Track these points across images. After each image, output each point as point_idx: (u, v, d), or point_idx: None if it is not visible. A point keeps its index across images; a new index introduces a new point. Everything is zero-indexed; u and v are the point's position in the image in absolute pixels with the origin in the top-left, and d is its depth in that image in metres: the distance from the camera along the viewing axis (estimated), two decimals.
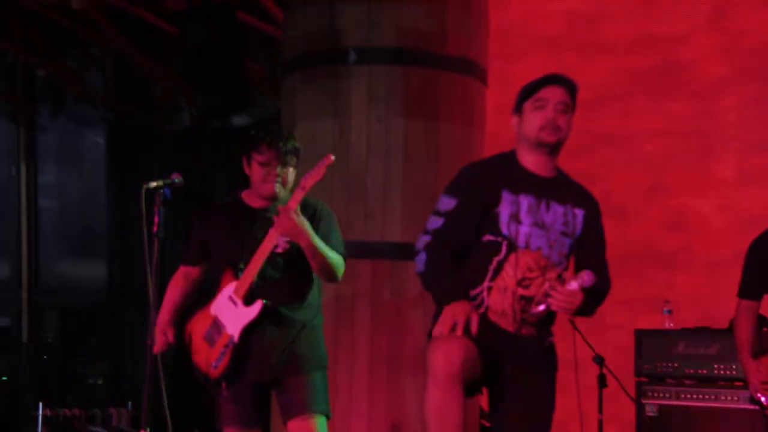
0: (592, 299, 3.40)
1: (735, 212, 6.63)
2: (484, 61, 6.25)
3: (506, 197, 3.41)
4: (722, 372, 5.54)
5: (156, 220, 4.01)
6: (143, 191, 3.98)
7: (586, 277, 3.33)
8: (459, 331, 3.19)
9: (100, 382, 9.12)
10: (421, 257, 3.40)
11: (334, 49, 5.94)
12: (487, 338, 3.29)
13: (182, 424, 7.86)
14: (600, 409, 5.61)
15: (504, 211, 3.39)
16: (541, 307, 3.35)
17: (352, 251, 5.86)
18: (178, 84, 8.24)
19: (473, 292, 3.41)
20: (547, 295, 3.35)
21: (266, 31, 7.70)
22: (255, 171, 4.19)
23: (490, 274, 3.40)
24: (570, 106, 3.52)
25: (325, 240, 4.08)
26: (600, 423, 5.62)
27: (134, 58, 8.43)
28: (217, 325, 4.18)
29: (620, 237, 6.69)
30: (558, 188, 3.49)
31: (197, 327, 4.26)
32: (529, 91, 3.52)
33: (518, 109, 3.54)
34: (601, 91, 6.97)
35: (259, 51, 7.79)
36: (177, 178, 4.09)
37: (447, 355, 3.14)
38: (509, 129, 6.83)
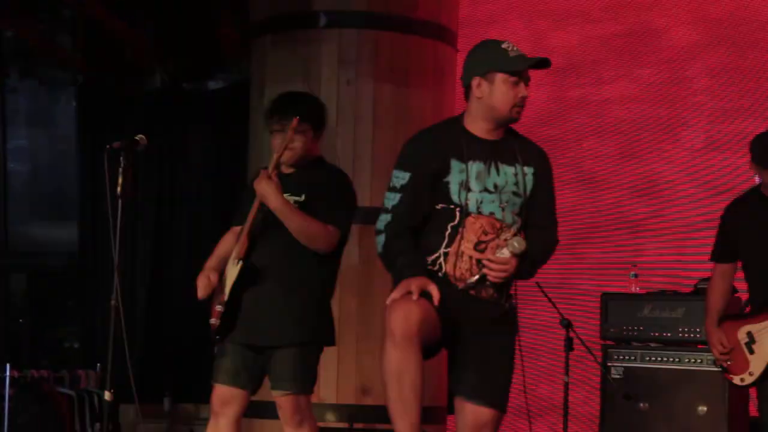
0: (527, 263, 3.42)
1: (703, 178, 6.67)
2: (455, 25, 6.26)
3: (454, 166, 3.40)
4: (687, 335, 5.59)
5: (120, 181, 3.99)
6: (106, 152, 3.97)
7: (517, 243, 3.36)
8: (415, 296, 3.20)
9: (75, 345, 9.12)
10: (380, 239, 3.41)
11: (304, 12, 5.94)
12: (446, 299, 3.31)
13: (153, 388, 7.90)
14: (567, 372, 5.67)
15: (453, 179, 3.39)
16: (475, 278, 3.38)
17: None
18: (149, 46, 8.19)
19: (430, 259, 3.42)
20: (480, 265, 3.37)
21: None
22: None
23: (445, 240, 3.41)
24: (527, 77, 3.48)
25: (313, 207, 4.04)
26: (566, 385, 5.68)
27: (105, 20, 8.37)
28: (222, 282, 4.15)
29: (590, 203, 6.76)
30: (507, 149, 3.46)
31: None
32: (510, 67, 3.40)
33: (488, 75, 3.44)
34: (572, 57, 6.98)
35: (230, 14, 7.76)
36: (140, 139, 4.08)
37: (405, 316, 3.15)
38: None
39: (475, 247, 3.40)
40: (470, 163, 3.39)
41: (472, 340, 3.43)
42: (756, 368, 4.64)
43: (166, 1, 6.74)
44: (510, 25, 7.29)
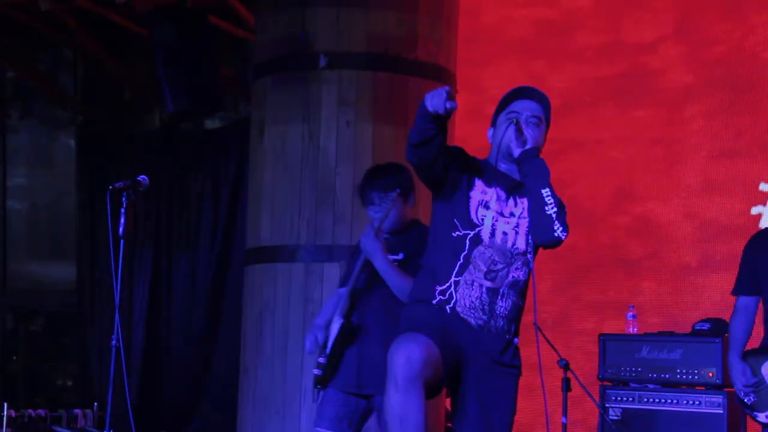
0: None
1: (700, 219, 6.70)
2: (454, 66, 6.31)
3: (479, 184, 3.50)
4: (685, 377, 5.59)
5: (122, 221, 4.03)
6: (109, 193, 4.03)
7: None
8: (445, 92, 3.27)
9: (69, 383, 9.10)
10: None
11: (304, 53, 5.99)
12: (452, 336, 3.33)
13: (148, 425, 7.88)
14: (564, 413, 5.66)
15: (475, 197, 3.48)
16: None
17: (322, 254, 5.91)
18: (149, 87, 8.24)
19: (441, 288, 3.46)
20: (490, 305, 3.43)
21: (237, 35, 7.73)
22: None
23: (456, 269, 3.46)
24: (542, 120, 3.59)
25: (410, 266, 4.23)
26: (564, 427, 5.67)
27: (104, 61, 8.43)
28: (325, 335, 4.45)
29: (587, 243, 6.78)
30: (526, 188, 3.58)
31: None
32: (503, 104, 3.59)
33: (494, 122, 3.61)
34: (569, 97, 7.04)
35: (230, 55, 7.82)
36: (143, 180, 4.13)
37: (407, 358, 3.17)
38: (477, 135, 6.89)
39: (485, 276, 3.45)
40: (494, 188, 3.49)
41: (477, 380, 3.45)
42: None
43: (165, 42, 6.78)
44: (506, 67, 7.35)
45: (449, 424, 5.84)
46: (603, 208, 6.94)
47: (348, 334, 4.29)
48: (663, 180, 6.87)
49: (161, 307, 8.63)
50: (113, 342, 4.19)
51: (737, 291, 4.83)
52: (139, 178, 4.11)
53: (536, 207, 3.47)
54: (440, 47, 6.14)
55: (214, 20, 7.23)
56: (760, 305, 4.78)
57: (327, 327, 4.40)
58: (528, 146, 3.49)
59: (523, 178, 3.51)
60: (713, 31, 6.85)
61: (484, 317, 3.44)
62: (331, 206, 5.88)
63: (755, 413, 4.69)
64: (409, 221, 4.46)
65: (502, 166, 3.58)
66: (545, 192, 3.47)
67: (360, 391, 4.32)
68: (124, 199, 4.05)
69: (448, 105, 3.27)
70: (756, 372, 4.67)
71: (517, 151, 3.51)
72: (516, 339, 3.55)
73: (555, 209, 3.47)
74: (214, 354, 8.28)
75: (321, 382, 4.35)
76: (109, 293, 8.12)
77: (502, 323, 3.47)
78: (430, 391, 3.29)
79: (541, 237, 3.49)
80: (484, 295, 3.44)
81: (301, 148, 5.92)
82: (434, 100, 3.28)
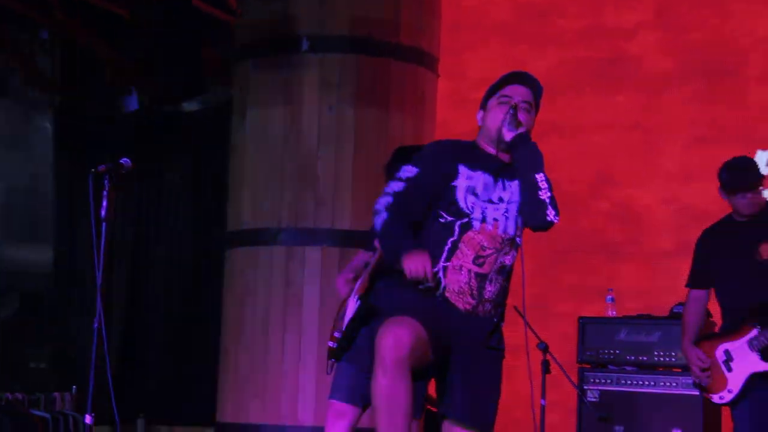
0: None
1: (678, 205, 6.76)
2: (436, 51, 6.32)
3: (463, 171, 3.48)
4: (662, 359, 5.66)
5: (104, 204, 4.02)
6: (91, 176, 4.01)
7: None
8: (429, 273, 3.31)
9: (42, 366, 9.06)
10: (381, 216, 3.45)
11: (287, 36, 5.98)
12: (441, 321, 3.35)
13: (127, 409, 7.86)
14: (543, 395, 5.71)
15: (461, 185, 3.47)
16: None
17: (303, 238, 5.93)
18: (129, 69, 8.21)
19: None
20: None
21: (220, 17, 7.70)
22: None
23: (445, 255, 3.47)
24: (533, 105, 3.60)
25: None
26: (543, 408, 5.72)
27: (84, 42, 8.38)
28: (341, 311, 4.49)
29: (567, 227, 6.80)
30: (516, 171, 3.56)
31: None
32: (495, 88, 3.58)
33: (484, 105, 3.60)
34: (550, 82, 7.01)
35: (212, 37, 7.78)
36: (125, 163, 4.11)
37: (395, 341, 3.19)
38: (458, 120, 6.93)
39: (474, 261, 3.46)
40: (479, 172, 3.48)
41: (466, 364, 3.47)
42: (734, 385, 4.71)
43: (146, 23, 6.76)
44: (489, 51, 7.37)
45: (429, 407, 5.88)
46: (583, 192, 6.98)
47: (364, 315, 4.29)
48: (642, 165, 6.93)
49: (141, 290, 8.61)
50: (95, 325, 4.17)
51: (690, 284, 4.94)
52: (121, 161, 4.09)
53: (529, 191, 3.47)
54: (423, 31, 6.16)
55: (196, 2, 7.21)
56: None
57: (354, 280, 4.44)
58: (521, 130, 3.49)
59: (516, 162, 3.50)
60: (692, 17, 6.90)
61: (473, 302, 3.46)
62: (312, 189, 5.89)
63: (711, 395, 4.80)
64: None
65: (491, 150, 3.57)
66: (539, 177, 3.47)
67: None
68: (106, 182, 4.03)
69: (420, 286, 3.35)
70: (709, 356, 4.76)
71: (509, 135, 3.50)
72: (501, 323, 3.58)
73: (549, 194, 3.48)
74: (194, 337, 8.28)
75: (335, 356, 4.39)
76: (88, 276, 8.13)
77: (489, 307, 3.50)
78: (418, 374, 3.31)
79: (534, 221, 3.50)
80: (473, 280, 3.45)
81: (282, 131, 5.93)
82: (415, 268, 3.34)
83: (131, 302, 8.57)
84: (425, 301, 3.42)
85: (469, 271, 3.45)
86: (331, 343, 4.38)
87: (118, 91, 8.79)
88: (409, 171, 3.50)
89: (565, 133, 7.09)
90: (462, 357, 3.47)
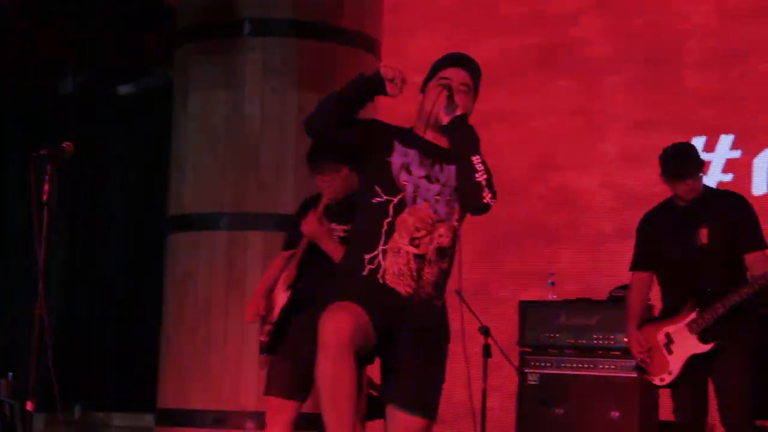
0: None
1: (617, 189, 6.84)
2: (379, 35, 6.33)
3: (398, 148, 3.49)
4: (601, 342, 5.73)
5: (46, 188, 3.98)
6: (32, 158, 3.97)
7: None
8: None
9: None
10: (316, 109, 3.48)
11: (229, 19, 5.94)
12: (383, 305, 3.36)
13: (62, 396, 7.77)
14: (485, 379, 5.77)
15: (396, 161, 3.47)
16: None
17: (245, 222, 5.91)
18: (66, 50, 8.09)
19: (369, 256, 3.46)
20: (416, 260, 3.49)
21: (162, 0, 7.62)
22: None
23: (383, 238, 3.47)
24: (471, 88, 3.60)
25: None
26: (484, 392, 5.78)
27: (18, 20, 8.23)
28: (270, 304, 4.53)
29: (507, 212, 6.86)
30: (452, 156, 3.56)
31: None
32: (433, 70, 3.59)
33: (423, 88, 3.60)
34: (491, 68, 7.05)
35: (153, 20, 7.70)
36: (67, 147, 4.07)
37: (337, 326, 3.19)
38: (401, 102, 6.93)
39: (410, 242, 3.47)
40: (414, 150, 3.49)
41: (409, 348, 3.47)
42: (674, 367, 4.80)
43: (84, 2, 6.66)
44: (431, 37, 7.38)
45: (371, 392, 5.91)
46: (523, 177, 7.03)
47: (296, 304, 4.33)
48: (582, 150, 6.99)
49: (78, 275, 8.52)
50: (36, 311, 4.13)
51: (633, 267, 5.02)
52: (63, 144, 4.05)
53: (466, 174, 3.47)
54: (366, 16, 6.15)
55: None
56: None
57: (268, 295, 4.45)
58: (458, 112, 3.50)
59: (453, 144, 3.51)
60: (633, 3, 6.97)
61: (413, 284, 3.47)
62: (255, 174, 5.87)
63: (652, 377, 4.90)
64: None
65: (430, 134, 3.57)
66: (476, 159, 3.48)
67: (308, 361, 4.33)
68: (47, 165, 3.99)
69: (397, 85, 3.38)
70: (650, 339, 4.85)
71: (446, 118, 3.51)
72: (444, 304, 3.59)
73: (485, 176, 3.49)
74: (132, 323, 8.21)
75: (268, 349, 4.40)
76: (20, 259, 8.01)
77: (430, 290, 3.50)
78: (363, 359, 3.32)
79: (471, 204, 3.51)
80: (411, 262, 3.45)
81: (225, 115, 5.90)
82: (389, 72, 3.38)
83: (67, 289, 8.48)
84: (366, 287, 3.42)
85: (407, 252, 3.45)
86: (263, 338, 4.41)
87: (52, 72, 8.66)
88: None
89: (507, 119, 7.13)
90: (406, 341, 3.47)
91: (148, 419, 7.50)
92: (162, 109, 6.64)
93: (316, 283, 4.35)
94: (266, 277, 4.63)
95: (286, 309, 4.36)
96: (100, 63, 6.92)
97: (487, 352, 5.81)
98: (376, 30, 6.28)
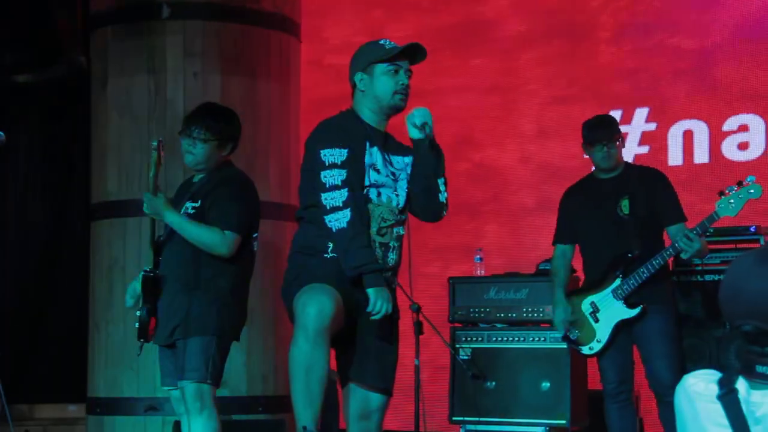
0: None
1: (535, 164, 6.96)
2: (298, 17, 6.31)
3: (368, 147, 3.55)
4: (530, 315, 5.85)
5: None
6: None
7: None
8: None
9: None
10: (343, 214, 3.45)
11: (146, 2, 5.86)
12: (349, 289, 3.40)
13: (13, 394, 7.62)
14: (417, 355, 5.81)
15: (367, 161, 3.54)
16: None
17: None
18: None
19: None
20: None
21: None
22: None
23: None
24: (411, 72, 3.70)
25: (204, 214, 4.25)
26: (417, 368, 5.83)
27: None
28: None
29: None
30: (394, 141, 3.66)
31: None
32: (386, 55, 3.61)
33: (364, 68, 3.61)
34: None
35: (67, 4, 7.53)
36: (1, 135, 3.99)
37: (319, 310, 3.23)
38: (317, 84, 6.91)
39: (377, 232, 3.53)
40: (375, 147, 3.54)
41: (372, 330, 3.54)
42: (602, 335, 4.93)
43: None
44: (345, 17, 7.39)
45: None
46: (445, 155, 7.08)
47: (150, 285, 4.25)
48: (500, 126, 7.09)
49: None
50: None
51: (556, 240, 5.17)
52: None
53: (430, 193, 3.61)
54: None
55: None
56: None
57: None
58: (430, 135, 3.54)
59: (420, 163, 3.60)
60: None
61: None
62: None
63: (580, 347, 5.02)
64: (222, 163, 4.44)
65: (370, 117, 3.62)
66: (441, 181, 3.59)
67: (171, 341, 4.27)
68: None
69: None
70: (575, 309, 4.98)
71: (416, 135, 3.57)
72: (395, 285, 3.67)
73: (446, 195, 3.60)
74: (50, 311, 8.06)
75: (139, 337, 4.31)
76: None
77: (390, 275, 3.59)
78: (332, 342, 3.36)
79: (429, 218, 3.65)
80: (377, 250, 3.52)
81: (147, 100, 5.82)
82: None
83: None
84: (333, 270, 3.46)
85: (374, 241, 3.53)
86: (136, 324, 4.32)
87: None
88: (337, 154, 3.51)
89: (424, 98, 7.12)
90: (369, 323, 3.53)
91: (72, 410, 7.40)
92: (78, 96, 6.49)
93: (176, 261, 4.28)
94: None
95: (143, 292, 4.26)
96: (12, 51, 6.74)
97: (419, 329, 5.85)
98: (295, 11, 6.25)
